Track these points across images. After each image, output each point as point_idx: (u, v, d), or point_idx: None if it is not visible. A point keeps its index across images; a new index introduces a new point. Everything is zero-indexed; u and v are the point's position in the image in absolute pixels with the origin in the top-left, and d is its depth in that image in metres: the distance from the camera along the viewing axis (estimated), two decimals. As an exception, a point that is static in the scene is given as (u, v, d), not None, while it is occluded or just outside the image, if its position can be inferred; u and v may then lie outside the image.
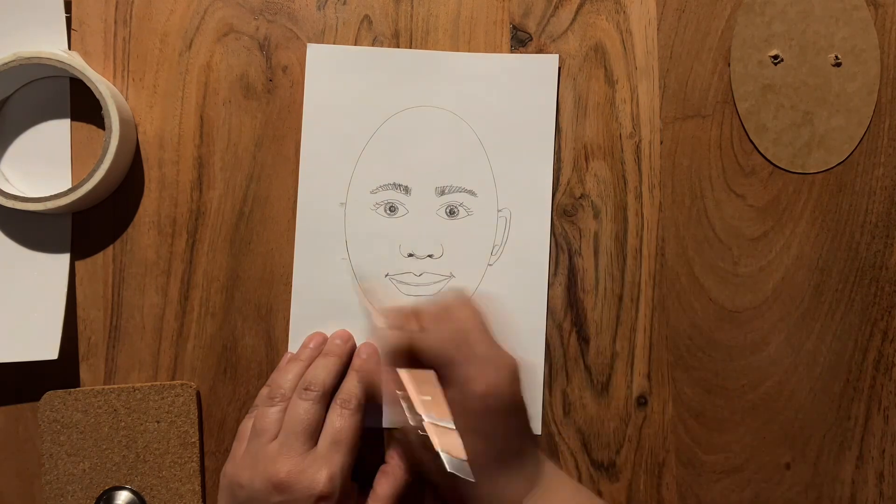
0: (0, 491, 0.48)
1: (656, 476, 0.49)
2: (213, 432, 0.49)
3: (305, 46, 0.50)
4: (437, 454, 0.39)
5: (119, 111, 0.46)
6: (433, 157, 0.49)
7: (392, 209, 0.49)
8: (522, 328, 0.49)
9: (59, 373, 0.48)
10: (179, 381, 0.48)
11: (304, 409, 0.43)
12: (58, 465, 0.47)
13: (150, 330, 0.49)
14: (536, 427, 0.49)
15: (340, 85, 0.50)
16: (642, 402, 0.49)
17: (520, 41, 0.50)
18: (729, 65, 0.50)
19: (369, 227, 0.49)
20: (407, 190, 0.49)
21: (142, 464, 0.48)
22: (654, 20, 0.50)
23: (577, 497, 0.45)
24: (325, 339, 0.48)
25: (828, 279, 0.50)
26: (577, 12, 0.50)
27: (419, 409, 0.41)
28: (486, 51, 0.50)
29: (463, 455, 0.39)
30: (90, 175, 0.46)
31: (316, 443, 0.42)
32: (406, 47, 0.50)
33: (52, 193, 0.46)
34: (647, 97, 0.50)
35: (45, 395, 0.47)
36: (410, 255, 0.49)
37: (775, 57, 0.50)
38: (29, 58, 0.45)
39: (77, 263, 0.49)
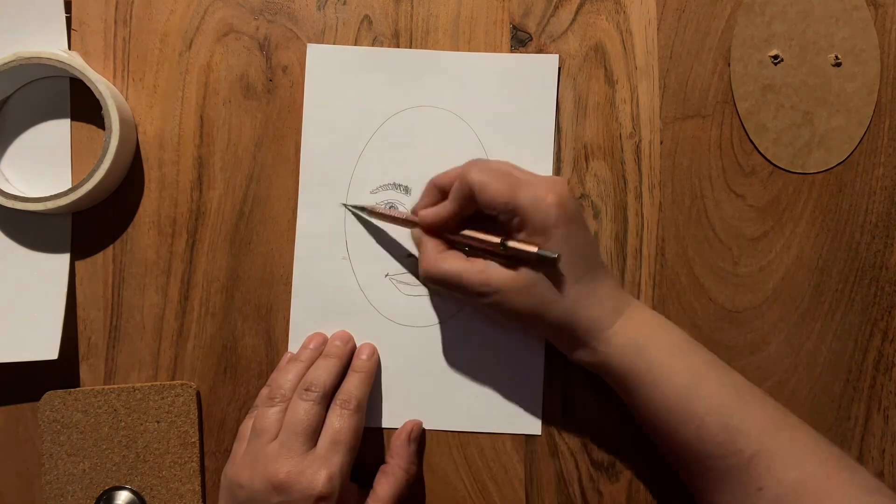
0: (0, 491, 0.48)
1: (656, 476, 0.49)
2: (213, 432, 0.49)
3: (305, 46, 0.50)
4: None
5: (119, 111, 0.46)
6: (433, 157, 0.49)
7: (392, 209, 0.49)
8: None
9: (59, 373, 0.48)
10: (179, 381, 0.48)
11: (304, 409, 0.43)
12: (58, 465, 0.47)
13: (150, 330, 0.49)
14: (536, 427, 0.49)
15: (340, 85, 0.50)
16: (642, 402, 0.49)
17: (520, 41, 0.50)
18: (729, 65, 0.50)
19: (369, 227, 0.49)
20: (407, 190, 0.49)
21: (142, 464, 0.48)
22: (654, 20, 0.50)
23: (665, 319, 0.45)
24: (324, 340, 0.48)
25: (828, 279, 0.50)
26: (577, 12, 0.50)
27: (498, 238, 0.42)
28: (486, 51, 0.50)
29: (558, 251, 0.41)
30: (90, 175, 0.46)
31: (316, 443, 0.42)
32: (406, 47, 0.50)
33: (52, 193, 0.46)
34: (647, 97, 0.50)
35: (45, 395, 0.47)
36: (410, 256, 0.49)
37: (775, 57, 0.50)
38: (29, 58, 0.45)
39: (77, 263, 0.49)
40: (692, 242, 0.50)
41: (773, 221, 0.50)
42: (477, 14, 0.50)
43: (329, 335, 0.48)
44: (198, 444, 0.48)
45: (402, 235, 0.49)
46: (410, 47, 0.50)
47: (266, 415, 0.43)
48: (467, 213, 0.44)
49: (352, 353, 0.48)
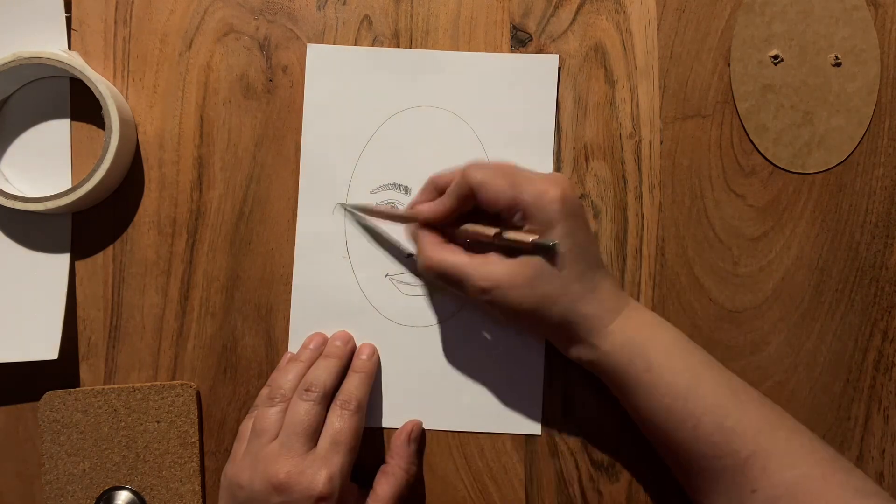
0: (0, 491, 0.48)
1: (656, 476, 0.49)
2: (213, 432, 0.49)
3: (305, 46, 0.50)
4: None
5: (119, 111, 0.46)
6: (433, 157, 0.49)
7: (391, 206, 0.49)
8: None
9: (59, 373, 0.48)
10: (179, 381, 0.48)
11: (304, 409, 0.43)
12: (58, 465, 0.47)
13: (150, 330, 0.49)
14: (536, 427, 0.49)
15: (340, 85, 0.50)
16: (642, 402, 0.49)
17: (520, 41, 0.50)
18: (729, 65, 0.50)
19: (369, 228, 0.49)
20: (407, 190, 0.49)
21: (142, 464, 0.48)
22: (654, 20, 0.50)
23: (662, 319, 0.46)
24: (324, 340, 0.48)
25: (828, 279, 0.50)
26: (577, 12, 0.50)
27: (495, 230, 0.42)
28: (486, 51, 0.50)
29: (555, 240, 0.41)
30: (90, 175, 0.46)
31: (316, 444, 0.42)
32: (406, 47, 0.50)
33: (52, 193, 0.46)
34: (647, 97, 0.50)
35: (45, 395, 0.47)
36: (410, 256, 0.49)
37: (775, 57, 0.50)
38: (29, 58, 0.45)
39: (77, 263, 0.49)
40: (692, 242, 0.50)
41: (773, 221, 0.50)
42: (477, 14, 0.50)
43: (329, 335, 0.48)
44: (198, 444, 0.48)
45: (402, 235, 0.49)
46: (410, 47, 0.50)
47: (266, 415, 0.43)
48: (464, 210, 0.44)
49: (352, 353, 0.48)
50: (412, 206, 0.47)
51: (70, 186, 0.46)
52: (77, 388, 0.48)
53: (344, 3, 0.50)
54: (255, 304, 0.49)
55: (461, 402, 0.49)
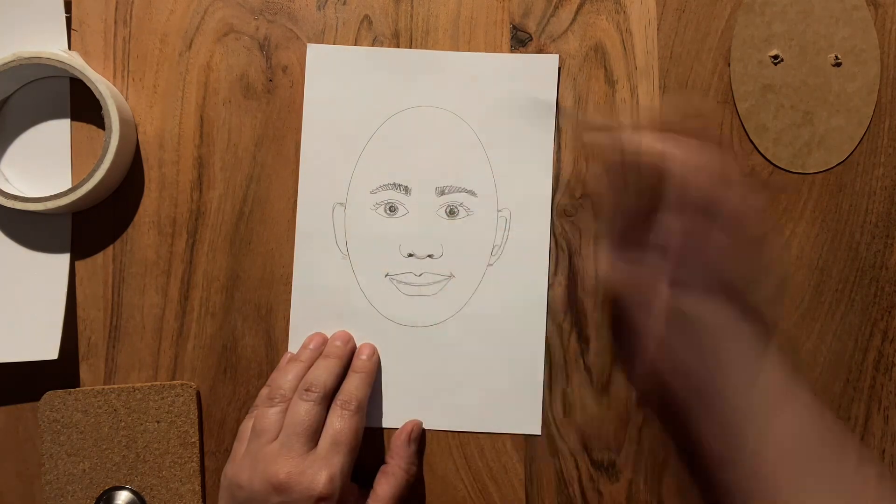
0: (0, 491, 0.48)
1: (656, 476, 0.49)
2: (213, 432, 0.49)
3: (305, 46, 0.50)
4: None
5: (119, 111, 0.46)
6: (433, 157, 0.49)
7: (392, 209, 0.49)
8: (522, 328, 0.49)
9: (59, 373, 0.48)
10: (179, 381, 0.48)
11: (304, 409, 0.43)
12: (58, 465, 0.47)
13: (150, 330, 0.49)
14: (536, 427, 0.49)
15: (340, 85, 0.50)
16: (642, 402, 0.49)
17: (520, 41, 0.50)
18: (729, 65, 0.50)
19: (369, 227, 0.49)
20: (407, 190, 0.49)
21: (142, 464, 0.48)
22: (654, 20, 0.50)
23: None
24: (324, 340, 0.48)
25: (828, 279, 0.50)
26: (577, 12, 0.50)
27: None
28: (486, 51, 0.50)
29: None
30: (90, 175, 0.46)
31: (316, 444, 0.42)
32: (406, 47, 0.50)
33: (52, 193, 0.46)
34: (647, 97, 0.50)
35: (45, 395, 0.47)
36: (410, 255, 0.49)
37: (775, 57, 0.50)
38: (29, 58, 0.45)
39: (77, 263, 0.49)
40: (692, 242, 0.50)
41: (773, 221, 0.50)
42: (477, 14, 0.50)
43: (329, 335, 0.48)
44: (198, 444, 0.48)
45: (402, 236, 0.49)
46: (410, 47, 0.50)
47: (266, 415, 0.43)
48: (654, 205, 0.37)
49: (352, 353, 0.48)
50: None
51: (70, 186, 0.46)
52: (77, 388, 0.48)
53: (344, 3, 0.50)
54: (255, 304, 0.49)
55: (461, 402, 0.49)
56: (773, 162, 0.50)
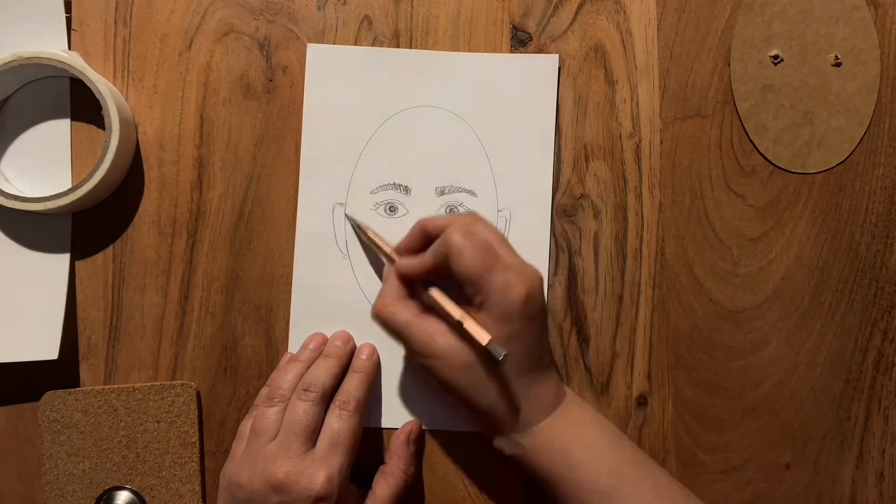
0: (0, 491, 0.48)
1: (656, 476, 0.49)
2: (213, 432, 0.49)
3: (305, 46, 0.50)
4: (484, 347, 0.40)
5: (119, 111, 0.46)
6: (433, 157, 0.49)
7: (392, 209, 0.49)
8: (522, 328, 0.49)
9: (59, 373, 0.48)
10: (179, 381, 0.48)
11: (303, 409, 0.43)
12: (58, 465, 0.47)
13: (150, 330, 0.49)
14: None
15: (340, 85, 0.50)
16: (642, 402, 0.49)
17: (520, 41, 0.50)
18: (729, 65, 0.50)
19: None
20: (407, 190, 0.49)
21: (142, 464, 0.48)
22: (654, 20, 0.50)
23: (596, 416, 0.45)
24: (324, 340, 0.48)
25: (828, 279, 0.50)
26: (577, 12, 0.50)
27: (459, 314, 0.42)
28: (486, 51, 0.50)
29: (505, 350, 0.40)
30: (90, 175, 0.46)
31: (315, 444, 0.42)
32: (406, 47, 0.50)
33: (52, 193, 0.46)
34: (647, 97, 0.50)
35: (45, 395, 0.47)
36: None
37: (775, 57, 0.50)
38: (29, 58, 0.45)
39: (77, 263, 0.49)
40: (692, 242, 0.50)
41: (773, 221, 0.50)
42: (477, 14, 0.50)
43: (329, 335, 0.48)
44: (198, 444, 0.48)
45: (402, 235, 0.49)
46: (410, 47, 0.50)
47: (265, 415, 0.43)
48: (444, 270, 0.43)
49: (351, 353, 0.48)
50: (397, 249, 0.46)
51: (70, 186, 0.46)
52: (77, 388, 0.48)
53: (344, 3, 0.50)
54: (255, 304, 0.49)
55: (461, 402, 0.49)
56: (773, 162, 0.50)
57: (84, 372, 0.49)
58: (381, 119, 0.50)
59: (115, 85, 0.49)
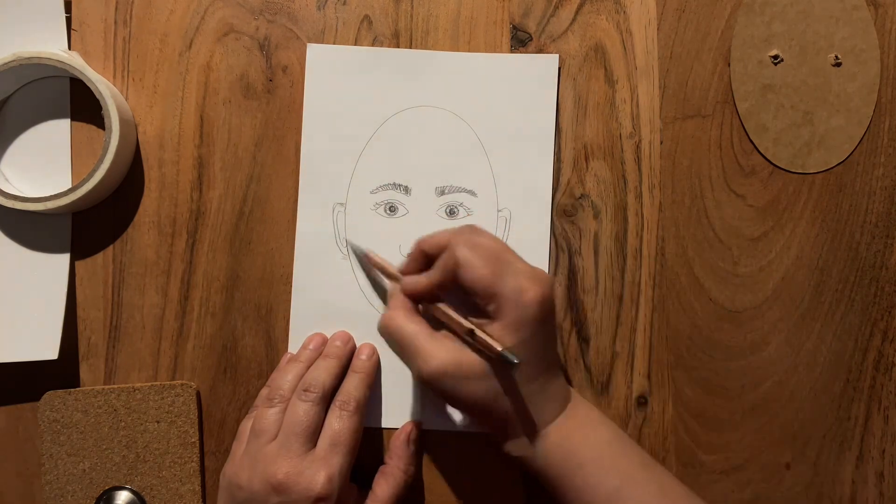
0: (0, 491, 0.48)
1: (656, 476, 0.49)
2: (213, 432, 0.49)
3: (305, 46, 0.50)
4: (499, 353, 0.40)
5: (119, 111, 0.46)
6: (433, 157, 0.49)
7: (392, 209, 0.49)
8: (522, 328, 0.49)
9: (59, 373, 0.48)
10: (179, 381, 0.48)
11: (303, 410, 0.43)
12: (58, 465, 0.47)
13: (150, 330, 0.49)
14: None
15: (340, 85, 0.50)
16: (642, 402, 0.49)
17: (520, 41, 0.50)
18: (729, 65, 0.50)
19: (369, 227, 0.49)
20: (407, 190, 0.49)
21: (142, 464, 0.48)
22: (654, 20, 0.50)
23: (602, 417, 0.45)
24: (324, 340, 0.48)
25: (828, 279, 0.50)
26: (577, 12, 0.50)
27: (470, 324, 0.41)
28: (486, 51, 0.50)
29: (520, 357, 0.40)
30: (90, 175, 0.46)
31: (315, 444, 0.42)
32: (406, 47, 0.50)
33: (52, 193, 0.46)
34: (647, 97, 0.50)
35: (45, 395, 0.47)
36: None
37: (775, 57, 0.50)
38: (29, 58, 0.45)
39: (77, 263, 0.49)
40: (692, 242, 0.50)
41: (773, 221, 0.50)
42: (477, 14, 0.50)
43: (329, 335, 0.48)
44: (198, 444, 0.48)
45: (402, 236, 0.49)
46: (410, 47, 0.50)
47: (265, 415, 0.43)
48: (450, 285, 0.43)
49: (351, 353, 0.48)
50: (401, 271, 0.46)
51: (70, 186, 0.46)
52: (77, 388, 0.48)
53: (344, 3, 0.50)
54: (255, 304, 0.49)
55: (461, 402, 0.49)
56: (773, 162, 0.50)
57: (84, 372, 0.49)
58: (381, 119, 0.50)
59: (115, 85, 0.49)
